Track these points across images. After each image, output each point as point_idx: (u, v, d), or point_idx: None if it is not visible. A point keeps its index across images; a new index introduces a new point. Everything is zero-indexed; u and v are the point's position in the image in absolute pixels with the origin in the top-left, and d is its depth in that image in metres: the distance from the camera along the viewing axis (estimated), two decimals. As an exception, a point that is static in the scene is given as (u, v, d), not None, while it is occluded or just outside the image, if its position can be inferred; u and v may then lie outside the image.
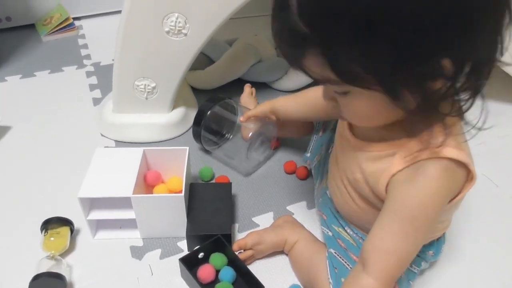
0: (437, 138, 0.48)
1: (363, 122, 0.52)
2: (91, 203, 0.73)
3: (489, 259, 0.73)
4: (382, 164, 0.53)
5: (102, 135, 0.99)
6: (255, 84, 1.08)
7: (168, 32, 0.84)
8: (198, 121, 0.88)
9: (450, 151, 0.48)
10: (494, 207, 0.83)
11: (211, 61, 1.15)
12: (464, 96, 0.45)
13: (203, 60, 1.15)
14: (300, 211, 0.82)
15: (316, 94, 0.76)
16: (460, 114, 0.46)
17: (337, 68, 0.43)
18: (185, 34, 0.84)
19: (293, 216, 0.79)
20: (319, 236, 0.74)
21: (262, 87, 1.14)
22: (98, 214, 0.72)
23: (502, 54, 0.43)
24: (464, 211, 0.79)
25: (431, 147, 0.48)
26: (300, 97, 0.79)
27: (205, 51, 1.15)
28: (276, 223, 0.76)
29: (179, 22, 0.82)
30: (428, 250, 0.64)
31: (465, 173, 0.50)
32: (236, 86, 1.08)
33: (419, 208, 0.50)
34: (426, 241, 0.62)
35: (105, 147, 0.95)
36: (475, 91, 0.44)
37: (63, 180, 0.87)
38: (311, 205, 0.83)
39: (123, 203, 0.71)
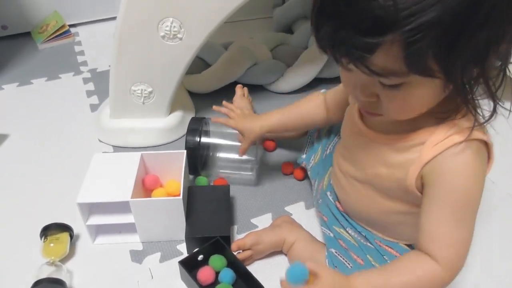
0: (463, 123, 0.49)
1: (408, 113, 0.50)
2: (90, 208, 0.73)
3: (486, 261, 0.74)
4: (411, 154, 0.52)
5: (100, 140, 1.00)
6: (251, 87, 1.08)
7: (163, 37, 0.84)
8: (191, 154, 0.83)
9: (477, 133, 0.49)
10: (492, 204, 0.83)
11: (207, 65, 1.16)
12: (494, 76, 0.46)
13: (199, 64, 1.15)
14: (298, 212, 0.82)
15: (310, 105, 0.77)
16: (492, 95, 0.46)
17: (413, 58, 0.41)
18: (181, 39, 0.84)
19: (291, 216, 0.80)
20: (317, 236, 0.74)
21: (259, 90, 1.15)
22: (97, 219, 0.73)
23: None
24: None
25: (460, 131, 0.49)
26: (294, 110, 0.78)
27: (201, 55, 1.16)
28: (274, 223, 0.77)
29: (174, 26, 0.83)
30: None
31: (486, 153, 0.52)
32: (233, 88, 1.08)
33: (465, 193, 0.50)
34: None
35: (103, 152, 0.95)
36: (504, 73, 0.46)
37: (62, 186, 0.87)
38: (309, 205, 0.83)
39: (122, 207, 0.71)
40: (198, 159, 0.84)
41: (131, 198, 0.69)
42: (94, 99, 1.14)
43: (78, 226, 0.75)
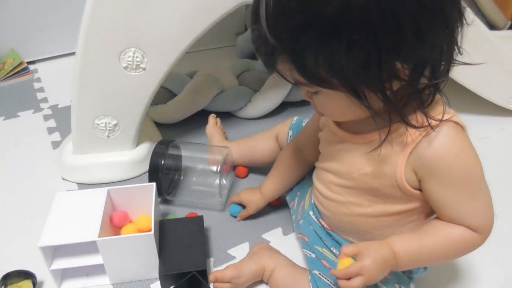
0: (436, 108, 0.51)
1: (338, 117, 0.57)
2: (54, 252, 0.69)
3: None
4: (393, 146, 0.53)
5: (63, 178, 0.95)
6: (219, 114, 1.07)
7: (126, 68, 0.82)
8: (154, 175, 0.82)
9: (454, 117, 0.51)
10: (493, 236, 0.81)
11: (173, 95, 1.14)
12: (426, 92, 0.49)
13: (164, 94, 1.13)
14: (276, 238, 0.80)
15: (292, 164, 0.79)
16: (422, 108, 0.49)
17: (304, 73, 0.47)
18: (144, 69, 0.83)
19: (269, 244, 0.77)
20: (298, 262, 0.72)
21: (227, 117, 1.14)
22: (62, 263, 0.68)
23: (460, 53, 0.47)
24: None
25: (434, 116, 0.50)
26: (286, 171, 0.79)
27: (166, 85, 1.14)
28: (252, 251, 0.74)
29: (137, 57, 0.81)
30: (417, 272, 0.63)
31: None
32: (200, 117, 1.07)
33: (464, 168, 0.50)
34: None
35: (67, 191, 0.91)
36: (435, 89, 0.49)
37: (23, 230, 0.82)
38: (286, 231, 0.81)
39: (89, 248, 0.67)
40: (161, 182, 0.82)
41: (99, 237, 0.65)
42: (56, 136, 1.10)
43: (41, 272, 0.69)
